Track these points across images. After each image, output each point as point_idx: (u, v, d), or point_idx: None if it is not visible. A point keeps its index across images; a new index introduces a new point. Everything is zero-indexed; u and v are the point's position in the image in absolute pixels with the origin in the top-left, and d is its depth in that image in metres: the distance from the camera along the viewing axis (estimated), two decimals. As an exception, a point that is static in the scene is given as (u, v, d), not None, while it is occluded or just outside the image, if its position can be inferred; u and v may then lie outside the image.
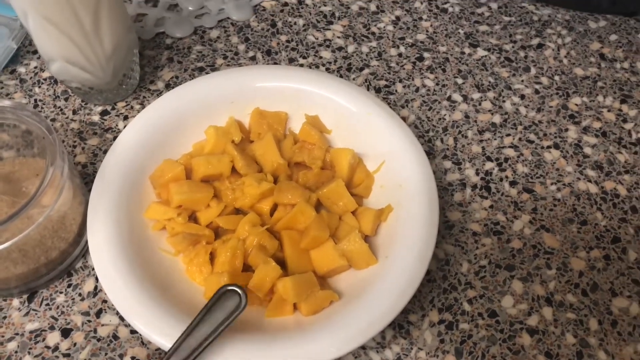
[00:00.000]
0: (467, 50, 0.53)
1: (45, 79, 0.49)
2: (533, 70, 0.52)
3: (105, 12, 0.40)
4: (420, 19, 0.55)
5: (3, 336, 0.37)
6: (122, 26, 0.43)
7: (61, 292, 0.39)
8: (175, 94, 0.44)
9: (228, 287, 0.33)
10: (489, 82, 0.51)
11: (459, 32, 0.55)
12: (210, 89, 0.44)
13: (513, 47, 0.54)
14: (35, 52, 0.51)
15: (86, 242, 0.40)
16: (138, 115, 0.42)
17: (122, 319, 0.38)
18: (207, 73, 0.51)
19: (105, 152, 0.45)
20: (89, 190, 0.39)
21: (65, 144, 0.46)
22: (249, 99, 0.45)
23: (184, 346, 0.32)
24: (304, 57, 0.52)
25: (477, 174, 0.46)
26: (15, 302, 0.38)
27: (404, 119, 0.48)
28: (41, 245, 0.36)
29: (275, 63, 0.52)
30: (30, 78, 0.49)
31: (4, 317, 0.38)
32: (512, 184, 0.45)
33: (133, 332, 0.38)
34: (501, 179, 0.45)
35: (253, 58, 0.52)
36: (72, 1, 0.38)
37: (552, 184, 0.45)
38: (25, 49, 0.51)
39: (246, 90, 0.45)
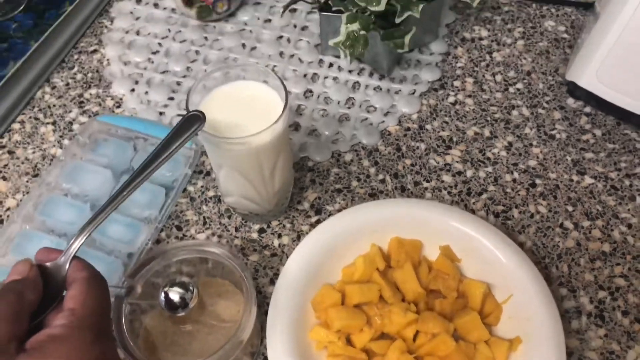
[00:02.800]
0: (575, 178, 0.59)
1: (210, 198, 0.59)
2: (639, 200, 0.57)
3: (281, 162, 0.49)
4: (531, 145, 0.62)
5: None
6: (289, 168, 0.52)
7: (239, 398, 0.47)
8: (327, 226, 0.52)
9: (191, 112, 0.42)
10: (597, 210, 0.57)
11: (566, 159, 0.61)
12: (357, 220, 0.52)
13: (618, 175, 0.59)
14: (201, 172, 0.61)
15: (255, 353, 0.48)
16: (298, 247, 0.50)
17: None
18: (344, 195, 0.59)
19: (264, 267, 0.54)
20: (257, 305, 0.47)
21: (231, 252, 0.54)
22: (388, 227, 0.52)
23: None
24: (428, 181, 0.60)
25: (591, 302, 0.51)
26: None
27: (521, 244, 0.55)
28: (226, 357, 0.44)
29: (402, 186, 0.59)
30: (199, 196, 0.59)
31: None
32: (624, 313, 0.50)
33: None
34: (614, 309, 0.51)
35: (382, 181, 0.60)
36: (260, 158, 0.47)
37: (662, 316, 0.50)
38: (192, 169, 0.61)
39: (386, 220, 0.52)
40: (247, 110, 0.47)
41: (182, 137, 0.41)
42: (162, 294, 0.41)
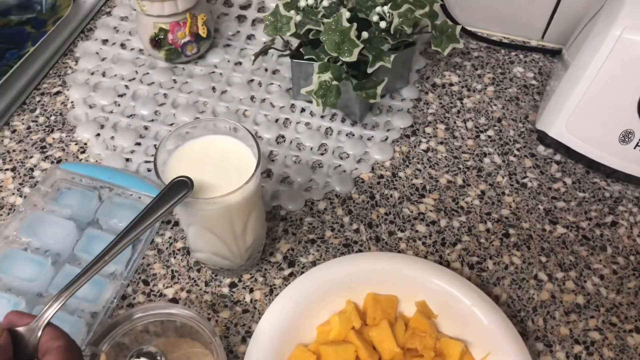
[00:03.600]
0: (547, 227, 0.59)
1: (179, 250, 0.57)
2: (609, 250, 0.58)
3: (253, 218, 0.48)
4: (503, 193, 0.62)
5: None
6: (261, 222, 0.50)
7: None
8: (301, 282, 0.50)
9: (178, 178, 0.41)
10: (570, 260, 0.57)
11: (539, 208, 0.61)
12: (331, 275, 0.51)
13: (589, 224, 0.60)
14: (169, 222, 0.58)
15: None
16: (271, 305, 0.49)
17: None
18: (318, 245, 0.57)
19: (236, 325, 0.52)
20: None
21: (200, 316, 0.52)
22: (364, 283, 0.51)
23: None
24: (402, 231, 0.59)
25: (567, 357, 0.51)
26: None
27: (497, 297, 0.54)
28: None
29: (377, 236, 0.58)
30: (166, 248, 0.57)
31: None
32: (600, 369, 0.50)
33: None
34: (589, 364, 0.51)
35: (357, 230, 0.59)
36: (232, 217, 0.45)
37: (637, 371, 0.50)
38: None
39: (361, 275, 0.51)
40: (217, 167, 0.46)
41: (167, 203, 0.39)
42: (128, 366, 0.39)
